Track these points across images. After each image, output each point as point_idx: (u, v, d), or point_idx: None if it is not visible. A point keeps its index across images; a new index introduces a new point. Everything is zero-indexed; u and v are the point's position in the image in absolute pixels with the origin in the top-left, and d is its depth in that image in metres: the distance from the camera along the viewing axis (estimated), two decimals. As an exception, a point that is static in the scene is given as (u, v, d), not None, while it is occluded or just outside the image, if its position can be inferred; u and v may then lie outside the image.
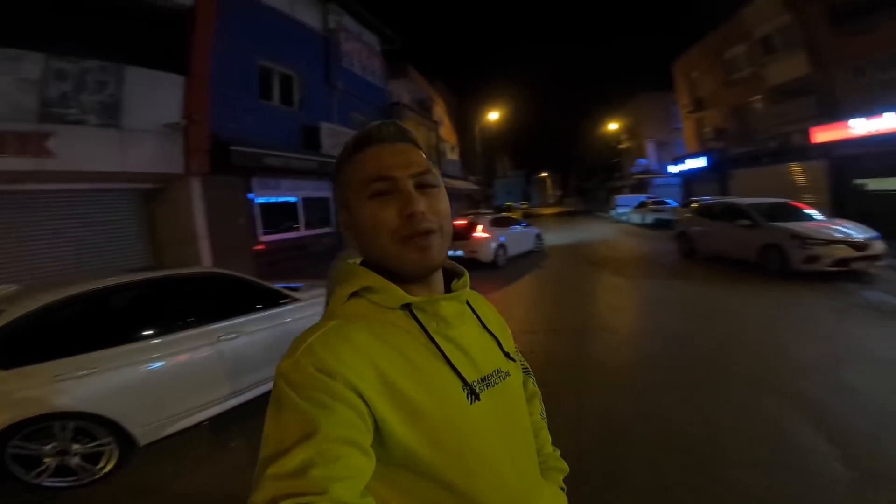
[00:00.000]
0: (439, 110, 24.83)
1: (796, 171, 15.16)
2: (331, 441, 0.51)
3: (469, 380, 0.68)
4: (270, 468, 0.50)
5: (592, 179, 49.77)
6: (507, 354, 0.79)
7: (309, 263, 10.23)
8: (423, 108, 21.44)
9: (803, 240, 7.55)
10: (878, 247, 7.44)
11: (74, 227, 6.60)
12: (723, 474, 2.58)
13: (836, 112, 13.03)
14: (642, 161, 31.90)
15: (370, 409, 0.58)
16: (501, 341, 0.80)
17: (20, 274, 5.69)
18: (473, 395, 0.67)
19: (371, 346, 0.62)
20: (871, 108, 11.98)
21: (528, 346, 5.12)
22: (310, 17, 11.44)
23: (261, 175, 9.21)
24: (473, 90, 54.50)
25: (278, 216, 10.20)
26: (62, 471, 2.75)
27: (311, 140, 10.73)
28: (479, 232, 10.87)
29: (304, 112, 11.02)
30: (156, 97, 6.88)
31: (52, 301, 2.87)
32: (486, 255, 10.75)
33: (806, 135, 13.87)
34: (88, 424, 2.77)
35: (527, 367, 0.99)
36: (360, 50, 13.65)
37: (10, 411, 2.52)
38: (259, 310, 3.84)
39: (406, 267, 0.68)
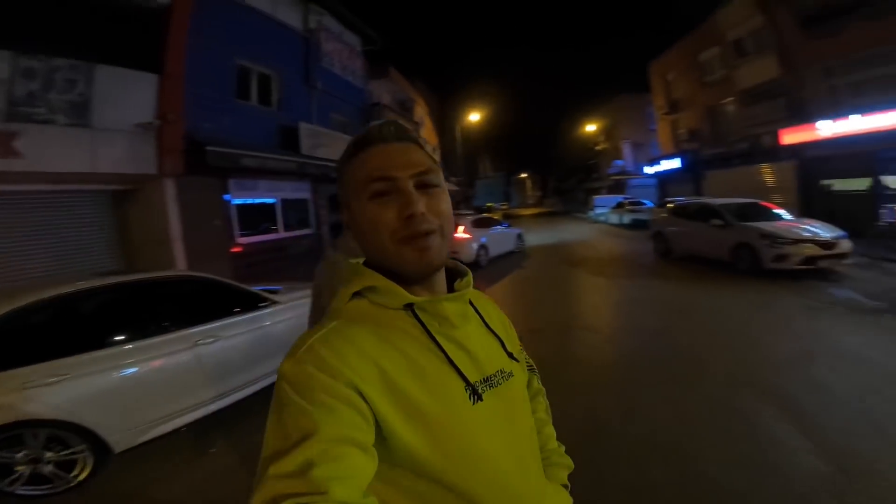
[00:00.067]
0: (420, 111, 24.79)
1: (766, 172, 15.60)
2: (332, 441, 0.51)
3: (471, 380, 0.68)
4: (272, 468, 0.49)
5: (571, 180, 50.43)
6: (510, 355, 0.79)
7: (288, 265, 10.09)
8: (404, 109, 21.37)
9: (773, 239, 7.79)
10: (845, 245, 7.72)
11: (42, 230, 6.35)
12: (704, 471, 2.64)
13: (805, 114, 13.45)
14: (619, 162, 32.47)
15: (372, 409, 0.58)
16: (505, 341, 0.80)
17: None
18: (476, 395, 0.67)
19: (373, 346, 0.62)
20: (837, 111, 12.39)
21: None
22: (290, 17, 11.29)
23: (238, 176, 9.03)
24: (455, 91, 54.68)
25: (256, 218, 10.02)
26: (36, 479, 2.67)
27: (289, 141, 10.58)
28: (461, 233, 10.90)
29: (283, 112, 10.86)
30: (128, 96, 6.69)
31: (20, 306, 2.77)
32: (467, 255, 10.78)
33: (775, 136, 14.27)
34: (60, 432, 2.69)
35: (532, 365, 0.99)
36: (341, 50, 13.53)
37: (-24, 420, 2.42)
38: (237, 313, 3.77)
39: (406, 267, 0.68)
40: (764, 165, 15.59)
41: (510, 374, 0.76)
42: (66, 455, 2.74)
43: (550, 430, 0.95)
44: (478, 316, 0.79)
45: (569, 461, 0.93)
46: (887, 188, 11.50)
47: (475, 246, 11.03)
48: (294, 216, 11.35)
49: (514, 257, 12.97)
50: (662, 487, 2.53)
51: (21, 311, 2.76)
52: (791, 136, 13.77)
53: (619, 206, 22.53)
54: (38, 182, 6.09)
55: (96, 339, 2.98)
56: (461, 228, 10.97)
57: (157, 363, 3.12)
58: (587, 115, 40.35)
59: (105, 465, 2.89)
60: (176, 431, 3.26)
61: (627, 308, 6.95)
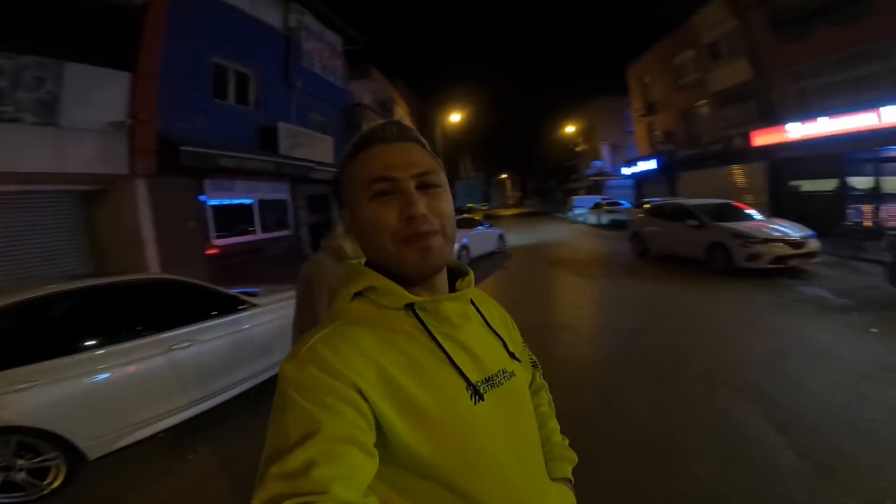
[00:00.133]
0: (401, 112, 24.71)
1: (738, 173, 16.03)
2: (333, 441, 0.51)
3: (473, 380, 0.67)
4: (273, 468, 0.49)
5: (550, 181, 51.02)
6: (511, 354, 0.79)
7: (267, 267, 9.93)
8: (385, 110, 21.27)
9: (745, 238, 8.02)
10: (814, 244, 8.00)
11: (7, 233, 6.10)
12: (685, 468, 2.69)
13: (775, 117, 13.85)
14: (597, 163, 32.97)
15: (372, 409, 0.58)
16: (507, 341, 0.80)
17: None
18: (477, 395, 0.67)
19: (374, 346, 0.62)
20: (806, 113, 12.81)
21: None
22: (270, 16, 11.10)
23: (213, 176, 8.84)
24: (436, 92, 54.77)
25: (232, 219, 9.84)
26: (8, 486, 2.60)
27: (267, 141, 10.41)
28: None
29: (261, 112, 10.67)
30: (99, 95, 6.48)
31: (-17, 312, 2.65)
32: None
33: (747, 138, 14.66)
34: (31, 439, 2.61)
35: (535, 361, 1.01)
36: (322, 50, 13.37)
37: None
38: (214, 317, 3.69)
39: (406, 268, 0.68)
40: (736, 166, 16.01)
41: (512, 374, 0.76)
42: (39, 462, 2.66)
43: (554, 424, 0.97)
44: (479, 316, 0.79)
45: (573, 455, 0.94)
46: (853, 189, 11.92)
47: (457, 247, 11.02)
48: (272, 217, 11.17)
49: (495, 257, 13.03)
50: (646, 485, 2.57)
51: (-15, 316, 2.64)
52: (762, 138, 14.19)
53: (597, 206, 22.85)
54: (3, 182, 5.84)
55: (67, 345, 2.89)
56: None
57: (130, 368, 3.03)
58: (566, 116, 40.91)
59: (80, 471, 2.83)
60: (154, 437, 3.19)
61: (607, 307, 7.05)
